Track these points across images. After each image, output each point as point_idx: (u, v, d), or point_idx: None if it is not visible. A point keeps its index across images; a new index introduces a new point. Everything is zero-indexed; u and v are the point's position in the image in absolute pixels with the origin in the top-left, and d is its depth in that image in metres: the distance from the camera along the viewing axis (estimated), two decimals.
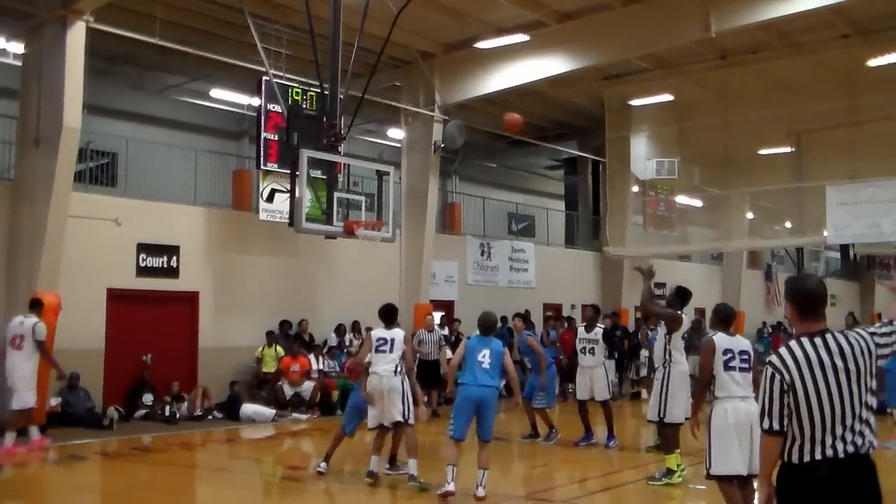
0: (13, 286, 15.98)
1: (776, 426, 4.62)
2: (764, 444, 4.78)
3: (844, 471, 4.53)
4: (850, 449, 4.53)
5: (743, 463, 8.17)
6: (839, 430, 4.53)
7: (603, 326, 15.54)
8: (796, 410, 4.58)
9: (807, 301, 4.79)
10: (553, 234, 30.58)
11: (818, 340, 4.64)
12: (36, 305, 14.10)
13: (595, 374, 14.74)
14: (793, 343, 4.70)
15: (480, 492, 10.24)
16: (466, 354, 10.62)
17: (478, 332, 10.96)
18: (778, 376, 4.61)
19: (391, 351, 11.22)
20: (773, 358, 4.69)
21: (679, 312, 11.25)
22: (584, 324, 15.41)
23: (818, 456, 4.54)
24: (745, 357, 8.62)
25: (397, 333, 11.42)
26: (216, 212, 19.75)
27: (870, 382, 4.64)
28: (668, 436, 11.23)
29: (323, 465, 11.65)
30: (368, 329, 13.64)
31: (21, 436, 13.79)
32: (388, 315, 11.67)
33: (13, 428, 13.67)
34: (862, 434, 4.57)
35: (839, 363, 4.58)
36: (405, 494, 10.94)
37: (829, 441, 4.53)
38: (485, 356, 10.46)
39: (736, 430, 8.23)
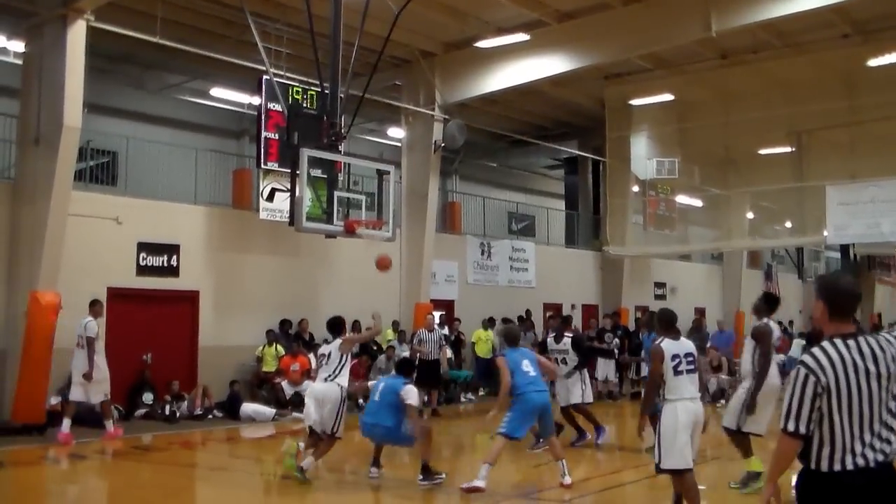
0: (14, 285, 16.01)
1: (802, 429, 4.42)
2: (781, 447, 4.53)
3: (876, 480, 4.39)
4: (880, 458, 4.39)
5: (689, 458, 8.64)
6: (867, 437, 4.39)
7: (571, 335, 15.43)
8: (829, 414, 4.39)
9: (841, 301, 4.62)
10: (553, 233, 30.57)
11: (851, 343, 4.49)
12: (93, 305, 15.18)
13: (570, 381, 14.64)
14: (826, 344, 4.51)
15: (567, 479, 10.79)
16: (512, 367, 10.96)
17: (506, 345, 11.55)
18: (812, 378, 4.41)
19: (327, 363, 11.61)
20: (807, 358, 4.49)
21: (766, 322, 11.01)
22: (553, 334, 15.18)
23: (850, 465, 4.36)
24: (691, 359, 8.91)
25: (334, 345, 11.80)
26: (216, 211, 19.75)
27: (893, 389, 4.49)
28: (743, 443, 10.93)
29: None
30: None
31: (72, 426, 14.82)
32: (331, 327, 12.31)
33: (108, 416, 15.14)
34: (889, 441, 4.43)
35: (871, 367, 4.43)
36: (403, 493, 10.94)
37: (858, 449, 4.37)
38: (527, 365, 10.98)
39: (684, 429, 8.61)
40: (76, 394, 14.87)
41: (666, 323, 9.25)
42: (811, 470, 4.48)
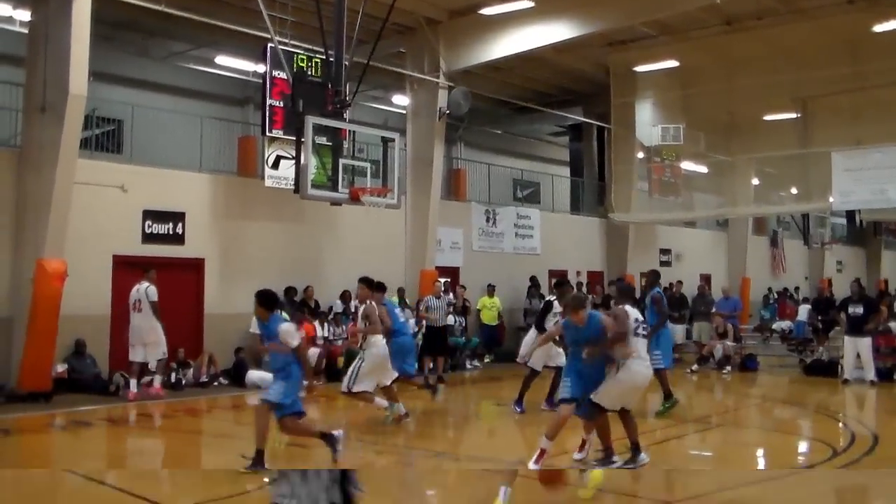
0: (20, 252, 16.06)
1: None
2: None
3: None
4: None
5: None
6: None
7: None
8: None
9: None
10: (558, 200, 30.54)
11: None
12: (147, 271, 16.49)
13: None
14: None
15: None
16: None
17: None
18: None
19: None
20: None
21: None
22: (556, 297, 14.55)
23: None
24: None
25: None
26: (222, 178, 19.77)
27: None
28: None
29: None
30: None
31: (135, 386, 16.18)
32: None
33: (159, 373, 16.53)
34: None
35: None
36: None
37: None
38: None
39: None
40: (137, 355, 16.15)
41: (624, 293, 11.18)
42: None
